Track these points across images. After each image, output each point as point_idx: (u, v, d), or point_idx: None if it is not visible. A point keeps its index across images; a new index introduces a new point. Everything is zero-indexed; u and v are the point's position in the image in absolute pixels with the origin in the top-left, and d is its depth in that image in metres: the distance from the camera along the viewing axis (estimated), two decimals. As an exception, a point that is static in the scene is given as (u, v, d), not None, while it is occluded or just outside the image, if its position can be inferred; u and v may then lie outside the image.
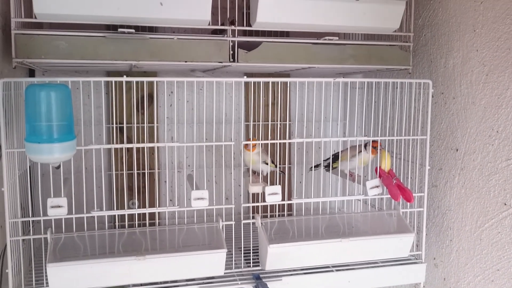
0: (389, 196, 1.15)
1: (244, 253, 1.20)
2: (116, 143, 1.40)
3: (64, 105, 0.85)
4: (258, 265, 1.12)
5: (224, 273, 1.05)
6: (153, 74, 1.46)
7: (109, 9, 0.95)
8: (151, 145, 1.06)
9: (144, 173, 1.41)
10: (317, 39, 1.14)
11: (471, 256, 1.13)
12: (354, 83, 1.50)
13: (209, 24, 1.05)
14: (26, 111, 0.84)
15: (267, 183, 1.16)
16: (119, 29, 0.99)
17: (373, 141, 1.18)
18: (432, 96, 1.24)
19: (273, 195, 1.09)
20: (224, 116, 1.50)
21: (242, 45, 1.09)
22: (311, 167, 1.33)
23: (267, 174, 1.23)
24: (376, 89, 1.44)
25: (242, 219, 1.14)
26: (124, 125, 1.18)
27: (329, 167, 1.25)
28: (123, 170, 1.41)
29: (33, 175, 1.23)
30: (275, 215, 1.43)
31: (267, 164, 1.21)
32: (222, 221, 1.08)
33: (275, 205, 1.36)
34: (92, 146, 0.99)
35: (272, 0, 1.03)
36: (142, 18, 0.99)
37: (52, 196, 0.96)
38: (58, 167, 1.00)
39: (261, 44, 1.10)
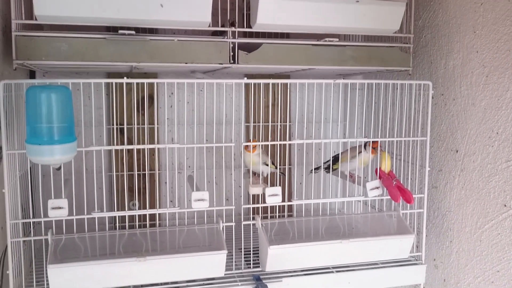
0: (389, 197, 1.15)
1: (244, 254, 1.20)
2: (117, 144, 1.40)
3: (65, 106, 0.85)
4: (258, 266, 1.12)
5: (225, 274, 1.05)
6: (154, 75, 1.46)
7: (109, 11, 0.95)
8: (151, 146, 1.07)
9: (145, 174, 1.41)
10: (317, 40, 1.15)
11: (471, 257, 1.14)
12: (354, 84, 1.50)
13: (209, 26, 1.05)
14: (26, 112, 0.84)
15: (267, 184, 1.17)
16: (120, 31, 0.99)
17: (373, 142, 1.19)
18: (432, 98, 1.24)
19: (273, 197, 1.09)
20: (224, 117, 1.50)
21: (242, 47, 1.09)
22: (311, 170, 1.33)
23: (267, 175, 1.23)
24: (376, 90, 1.44)
25: (242, 220, 1.14)
26: (125, 126, 1.18)
27: (329, 169, 1.25)
28: (123, 171, 1.41)
29: (34, 176, 1.23)
30: (276, 216, 1.43)
31: (267, 165, 1.21)
32: (223, 222, 1.08)
33: (275, 206, 1.36)
34: (93, 147, 0.99)
35: (273, 1, 1.03)
36: (143, 19, 0.99)
37: (52, 197, 0.96)
38: (59, 168, 1.01)
39: (261, 46, 1.10)
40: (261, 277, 1.09)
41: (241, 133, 1.58)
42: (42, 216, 0.98)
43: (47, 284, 0.96)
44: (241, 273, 1.12)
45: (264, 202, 1.10)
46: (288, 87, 1.57)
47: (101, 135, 1.40)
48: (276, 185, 1.10)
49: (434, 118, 1.26)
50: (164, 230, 1.10)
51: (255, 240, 1.13)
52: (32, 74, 1.35)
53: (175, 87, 1.50)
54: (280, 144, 1.14)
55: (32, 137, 0.83)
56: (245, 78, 1.06)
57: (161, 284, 1.05)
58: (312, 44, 1.14)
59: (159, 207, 1.44)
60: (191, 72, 1.33)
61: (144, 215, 1.08)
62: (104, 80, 0.99)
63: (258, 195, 1.15)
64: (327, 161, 1.30)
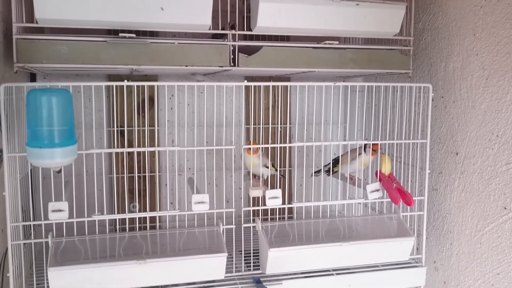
0: (389, 199, 1.15)
1: (244, 257, 1.20)
2: (117, 146, 1.40)
3: (65, 110, 0.85)
4: (259, 269, 1.12)
5: (225, 276, 1.05)
6: (154, 77, 1.47)
7: (110, 14, 0.96)
8: (152, 149, 1.07)
9: (145, 176, 1.41)
10: (318, 43, 1.15)
11: (471, 259, 1.14)
12: (354, 86, 1.50)
13: (209, 29, 1.05)
14: (27, 116, 0.84)
15: (268, 186, 1.17)
16: (120, 34, 0.99)
17: (373, 144, 1.19)
18: (432, 100, 1.24)
19: (274, 199, 1.09)
20: (224, 119, 1.50)
21: (242, 49, 1.09)
22: (312, 174, 1.33)
23: (268, 177, 1.23)
24: (376, 92, 1.44)
25: (242, 222, 1.14)
26: (125, 128, 1.18)
27: (330, 171, 1.25)
28: (124, 173, 1.41)
29: (34, 179, 1.23)
30: (276, 218, 1.43)
31: (267, 167, 1.21)
32: (223, 224, 1.08)
33: (276, 208, 1.36)
34: (93, 150, 0.99)
35: (273, 4, 1.04)
36: (143, 23, 0.99)
37: (53, 200, 0.96)
38: (59, 171, 1.01)
39: (261, 49, 1.10)
40: (261, 279, 1.09)
41: (241, 135, 1.58)
42: (42, 219, 0.98)
43: (48, 286, 0.96)
44: (241, 275, 1.12)
45: (264, 204, 1.10)
46: (288, 89, 1.57)
47: (102, 137, 1.40)
48: (276, 187, 1.10)
49: (434, 120, 1.26)
50: (164, 232, 1.10)
51: (255, 243, 1.13)
52: (32, 77, 1.35)
53: (176, 89, 1.50)
54: (280, 146, 1.14)
55: (32, 140, 0.84)
56: (245, 81, 1.06)
57: (161, 287, 1.05)
58: (312, 47, 1.14)
59: (160, 209, 1.45)
60: (191, 74, 1.33)
61: (145, 217, 1.08)
62: (104, 83, 0.99)
63: (258, 198, 1.15)
64: (328, 164, 1.30)
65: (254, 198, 1.16)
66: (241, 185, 1.25)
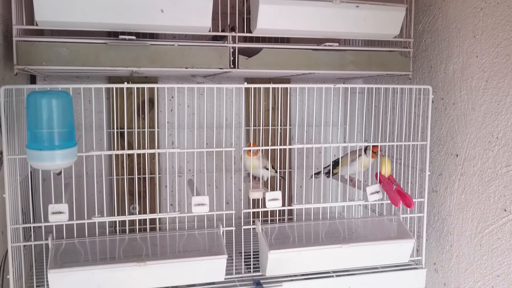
0: (389, 201, 1.15)
1: (244, 258, 1.20)
2: (117, 148, 1.40)
3: (65, 112, 0.85)
4: (259, 271, 1.13)
5: (225, 278, 1.05)
6: (154, 79, 1.47)
7: (110, 16, 0.96)
8: (151, 151, 1.07)
9: (145, 177, 1.41)
10: (318, 45, 1.15)
11: (471, 261, 1.14)
12: (354, 88, 1.50)
13: (209, 31, 1.05)
14: (27, 118, 0.84)
15: (268, 188, 1.17)
16: (120, 36, 0.99)
17: (373, 146, 1.19)
18: (432, 102, 1.24)
19: (274, 201, 1.09)
20: (224, 120, 1.51)
21: (242, 51, 1.09)
22: (312, 176, 1.33)
23: (268, 179, 1.23)
24: (376, 94, 1.44)
25: (242, 224, 1.14)
26: (125, 130, 1.19)
27: (330, 173, 1.25)
28: (123, 175, 1.41)
29: (34, 181, 1.23)
30: (276, 220, 1.43)
31: (267, 169, 1.21)
32: (223, 226, 1.08)
33: (276, 210, 1.37)
34: (93, 152, 0.99)
35: (273, 6, 1.04)
36: (143, 25, 0.99)
37: (53, 201, 0.96)
38: (59, 173, 1.01)
39: (261, 50, 1.10)
40: (261, 281, 1.09)
41: (241, 136, 1.58)
42: (42, 221, 0.98)
43: (48, 288, 0.96)
44: (241, 277, 1.12)
45: (264, 206, 1.10)
46: (289, 91, 1.57)
47: (102, 139, 1.40)
48: (276, 189, 1.10)
49: (434, 122, 1.26)
50: (164, 234, 1.10)
51: (255, 244, 1.13)
52: (32, 79, 1.35)
53: (176, 91, 1.50)
54: (280, 148, 1.14)
55: (32, 143, 0.84)
56: (245, 83, 1.06)
57: (161, 288, 1.05)
58: (312, 49, 1.14)
59: (159, 211, 1.45)
60: (191, 75, 1.33)
61: (145, 219, 1.08)
62: (104, 86, 0.99)
63: (258, 199, 1.15)
64: (328, 166, 1.30)
65: (254, 200, 1.16)
66: (241, 187, 1.26)
